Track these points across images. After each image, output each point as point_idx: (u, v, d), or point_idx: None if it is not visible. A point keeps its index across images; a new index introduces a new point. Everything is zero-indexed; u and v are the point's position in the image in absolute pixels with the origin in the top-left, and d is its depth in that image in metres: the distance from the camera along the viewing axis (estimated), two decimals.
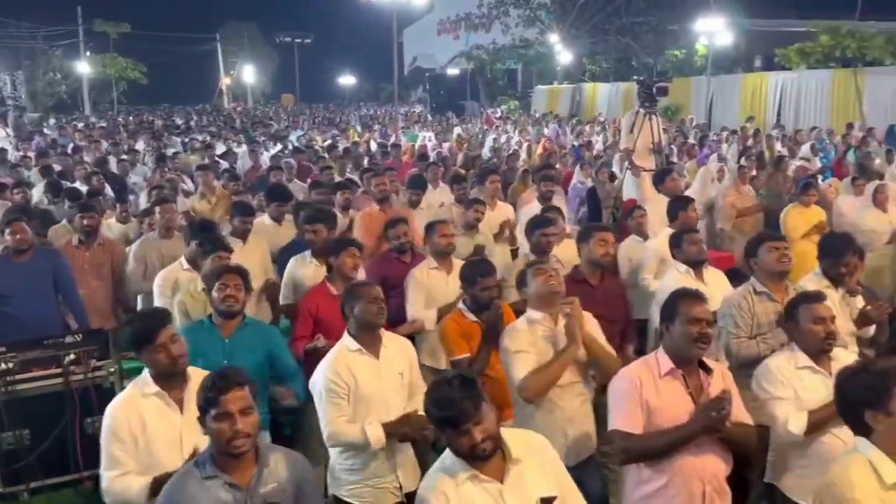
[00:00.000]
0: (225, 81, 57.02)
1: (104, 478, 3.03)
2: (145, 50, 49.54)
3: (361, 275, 4.92)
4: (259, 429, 2.60)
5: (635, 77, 9.71)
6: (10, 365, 4.63)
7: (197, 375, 3.09)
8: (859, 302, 4.26)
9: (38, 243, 5.69)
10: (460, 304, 4.18)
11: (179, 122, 32.00)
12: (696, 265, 4.74)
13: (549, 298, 3.64)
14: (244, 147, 15.37)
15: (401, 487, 3.54)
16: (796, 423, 3.19)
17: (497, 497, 2.46)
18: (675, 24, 30.58)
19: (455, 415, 2.41)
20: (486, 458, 2.45)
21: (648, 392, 2.99)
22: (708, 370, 3.11)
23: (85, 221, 5.99)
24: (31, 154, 13.77)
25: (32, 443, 4.63)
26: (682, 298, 3.10)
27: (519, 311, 3.95)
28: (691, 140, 15.09)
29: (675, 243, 4.87)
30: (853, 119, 16.96)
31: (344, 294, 3.69)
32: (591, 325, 3.70)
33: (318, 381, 3.48)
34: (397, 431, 3.45)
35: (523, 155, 13.92)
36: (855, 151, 11.85)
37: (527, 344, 3.55)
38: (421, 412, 3.52)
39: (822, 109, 19.07)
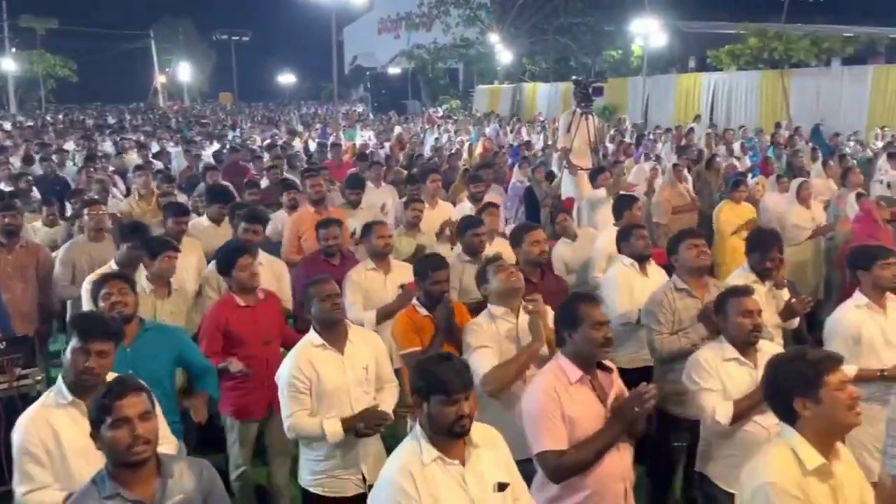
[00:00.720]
0: (160, 79, 55.55)
1: (16, 493, 2.89)
2: (75, 47, 48.00)
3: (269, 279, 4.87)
4: (158, 437, 2.48)
5: (574, 77, 9.86)
6: None
7: None
8: (785, 295, 4.43)
9: None
10: (413, 300, 4.21)
11: (112, 121, 31.05)
12: (641, 260, 4.83)
13: (510, 294, 3.70)
14: (179, 147, 15.03)
15: (364, 479, 3.56)
16: (722, 413, 3.29)
17: (459, 479, 2.54)
18: (611, 26, 31.21)
19: (453, 382, 2.50)
20: (461, 435, 2.53)
21: (566, 403, 2.94)
22: (608, 369, 3.14)
23: (6, 220, 5.70)
24: None
25: None
26: (582, 303, 3.09)
27: (473, 311, 4.02)
28: (627, 139, 15.42)
29: (623, 237, 4.95)
30: (781, 118, 17.60)
31: (301, 294, 3.79)
32: (549, 317, 3.71)
33: (282, 374, 3.57)
34: (355, 426, 3.49)
35: (464, 154, 13.99)
36: (774, 150, 12.29)
37: (489, 339, 3.60)
38: (386, 406, 3.63)
39: (752, 109, 19.74)
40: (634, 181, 8.71)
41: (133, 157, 12.56)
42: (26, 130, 21.97)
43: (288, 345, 4.20)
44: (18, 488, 2.88)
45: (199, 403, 3.89)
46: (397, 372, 4.18)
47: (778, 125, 16.23)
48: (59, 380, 3.03)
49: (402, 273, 5.06)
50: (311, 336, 3.63)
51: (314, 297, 3.60)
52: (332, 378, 3.53)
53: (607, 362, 3.17)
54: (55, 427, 2.90)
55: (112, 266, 4.96)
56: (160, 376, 3.69)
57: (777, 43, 19.61)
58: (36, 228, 7.04)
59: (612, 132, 16.86)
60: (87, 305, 4.77)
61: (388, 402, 3.70)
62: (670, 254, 4.36)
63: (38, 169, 10.68)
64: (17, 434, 2.91)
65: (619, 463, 3.02)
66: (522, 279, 3.81)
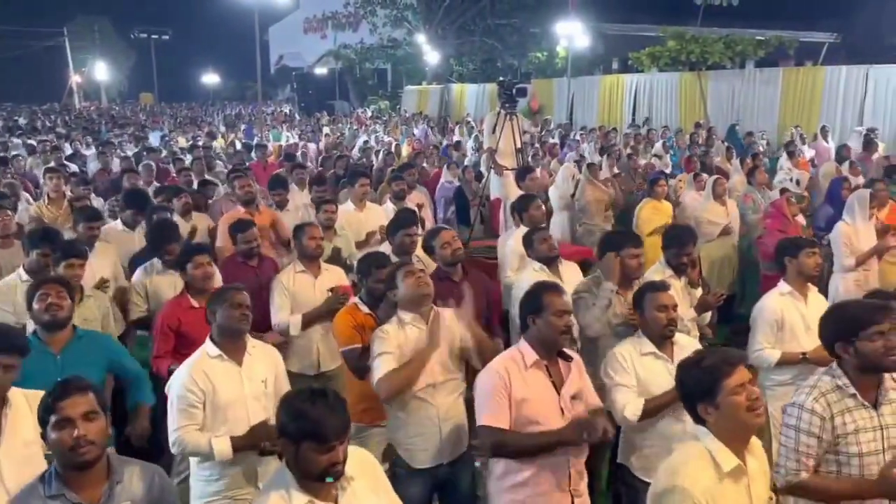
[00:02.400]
0: (75, 79, 53.29)
1: None
2: None
3: (218, 279, 4.79)
4: (107, 437, 2.44)
5: (500, 78, 9.96)
6: None
7: (18, 398, 2.89)
8: (699, 290, 4.60)
9: None
10: (355, 298, 4.18)
11: (23, 122, 29.63)
12: (548, 262, 4.87)
13: (418, 300, 3.65)
14: (93, 149, 14.48)
15: None
16: (632, 410, 3.40)
17: None
18: (537, 27, 31.64)
19: (328, 427, 2.28)
20: (335, 479, 2.35)
21: (516, 384, 3.08)
22: (568, 358, 3.25)
23: None
24: None
25: None
26: (547, 291, 3.23)
27: None
28: (553, 139, 15.69)
29: (527, 242, 4.99)
30: (699, 118, 18.22)
31: (209, 298, 3.60)
32: (468, 315, 3.70)
33: (174, 386, 3.39)
34: (247, 444, 3.33)
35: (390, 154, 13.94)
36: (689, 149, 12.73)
37: (394, 346, 3.54)
38: None
39: (672, 109, 20.36)
40: (561, 181, 8.85)
41: (45, 160, 12.03)
42: None
43: None
44: None
45: (140, 421, 3.81)
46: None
47: (697, 125, 16.80)
48: None
49: (332, 276, 5.02)
50: (208, 346, 3.46)
51: (225, 302, 3.44)
52: (229, 391, 3.37)
53: (570, 352, 3.29)
54: None
55: (21, 274, 4.74)
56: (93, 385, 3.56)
57: (694, 46, 20.30)
58: None
59: (541, 132, 17.09)
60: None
61: None
62: (602, 253, 4.29)
63: None
64: None
65: (565, 452, 3.11)
66: (431, 284, 3.76)
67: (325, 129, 21.82)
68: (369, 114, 31.01)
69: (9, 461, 2.77)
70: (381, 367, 3.51)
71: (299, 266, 4.97)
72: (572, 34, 24.69)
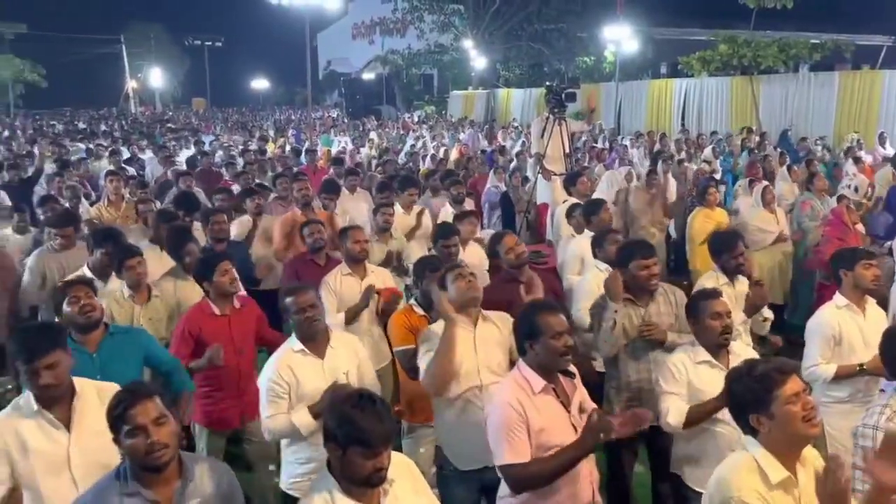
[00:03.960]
0: (131, 85, 54.85)
1: None
2: (45, 51, 47.20)
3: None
4: (178, 438, 2.51)
5: (548, 83, 9.95)
6: None
7: (88, 389, 2.98)
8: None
9: None
10: (411, 300, 4.28)
11: (82, 126, 30.61)
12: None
13: (467, 303, 3.68)
14: (149, 153, 14.90)
15: None
16: (674, 416, 3.35)
17: None
18: (584, 32, 31.46)
19: (375, 434, 2.32)
20: (378, 485, 2.39)
21: (530, 413, 2.93)
22: (571, 374, 3.15)
23: None
24: None
25: None
26: (541, 312, 3.03)
27: None
28: (600, 144, 15.56)
29: (597, 243, 4.99)
30: (750, 124, 17.87)
31: (280, 301, 3.76)
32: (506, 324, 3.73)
33: (262, 379, 3.61)
34: (321, 406, 3.41)
35: (437, 158, 14.01)
36: (749, 154, 12.48)
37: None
38: None
39: (722, 115, 20.01)
40: (605, 188, 8.78)
41: (104, 163, 12.43)
42: None
43: (271, 345, 4.25)
44: None
45: (184, 408, 3.92)
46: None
47: (749, 130, 16.49)
48: (27, 390, 3.00)
49: (378, 278, 5.10)
50: (292, 341, 3.66)
51: (290, 308, 3.63)
52: (312, 383, 3.54)
53: (570, 367, 3.15)
54: (22, 436, 2.88)
55: (85, 272, 4.91)
56: (127, 379, 3.65)
57: (746, 49, 19.90)
58: (6, 236, 6.94)
59: (595, 133, 16.93)
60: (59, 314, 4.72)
61: None
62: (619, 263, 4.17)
63: (5, 175, 10.52)
64: None
65: (586, 467, 3.05)
66: (480, 288, 3.80)
67: (372, 134, 22.02)
68: (416, 119, 31.18)
69: (78, 451, 2.87)
70: (426, 363, 3.57)
71: (345, 269, 5.07)
72: (620, 38, 24.48)
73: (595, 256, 5.05)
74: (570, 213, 6.41)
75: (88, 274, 4.88)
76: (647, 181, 8.31)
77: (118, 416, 2.42)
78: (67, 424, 2.92)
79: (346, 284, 4.98)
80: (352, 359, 3.71)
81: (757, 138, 14.49)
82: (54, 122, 33.52)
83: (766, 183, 7.85)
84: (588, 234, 5.61)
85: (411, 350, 3.98)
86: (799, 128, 16.80)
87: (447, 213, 7.01)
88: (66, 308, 3.74)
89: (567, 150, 9.00)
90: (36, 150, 14.52)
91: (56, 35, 49.36)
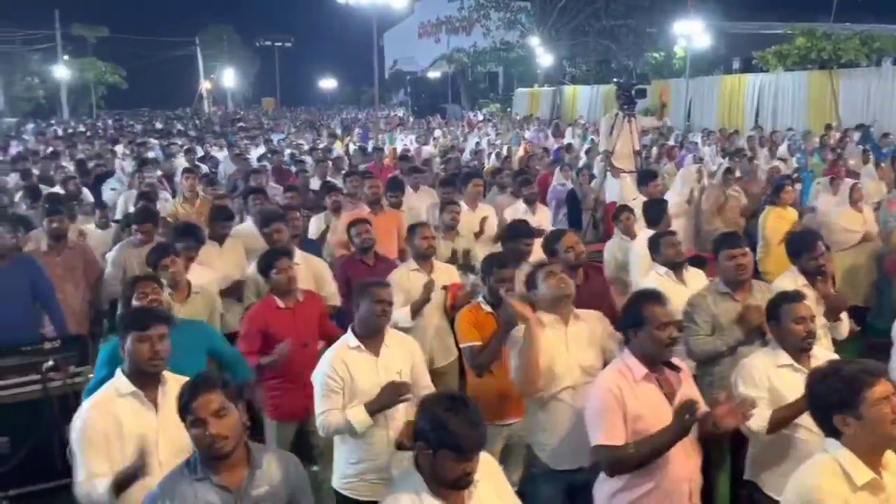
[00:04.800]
0: (205, 85, 56.64)
1: (75, 482, 3.00)
2: (124, 54, 49.27)
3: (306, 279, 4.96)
4: (242, 426, 2.56)
5: (616, 80, 9.80)
6: None
7: (172, 380, 3.10)
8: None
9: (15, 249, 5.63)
10: (479, 297, 4.25)
11: (159, 126, 31.76)
12: (674, 267, 4.79)
13: (559, 301, 3.65)
14: (225, 151, 15.32)
15: None
16: (757, 421, 3.22)
17: None
18: (653, 27, 30.86)
19: (468, 440, 2.33)
20: (465, 488, 2.42)
21: (629, 400, 2.98)
22: (676, 369, 3.14)
23: (53, 224, 5.91)
24: (9, 159, 13.63)
25: (12, 450, 4.57)
26: (647, 302, 3.09)
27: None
28: (671, 142, 15.22)
29: (653, 246, 4.92)
30: (829, 120, 17.18)
31: (355, 290, 3.76)
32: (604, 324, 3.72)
33: (317, 374, 3.59)
34: (379, 403, 3.45)
35: (502, 156, 13.97)
36: (820, 153, 12.00)
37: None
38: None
39: (799, 111, 19.30)
40: (681, 186, 8.55)
41: (180, 161, 12.87)
42: (79, 136, 22.64)
43: (331, 339, 4.25)
44: (77, 477, 2.99)
45: (253, 394, 4.01)
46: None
47: (828, 126, 15.85)
48: (119, 372, 3.14)
49: (445, 274, 5.12)
50: (348, 337, 3.63)
51: (368, 297, 3.58)
52: (366, 380, 3.51)
53: (677, 361, 3.16)
54: (117, 414, 3.01)
55: None
56: (193, 370, 3.74)
57: (826, 43, 19.14)
58: (89, 230, 7.25)
59: (665, 129, 16.55)
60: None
61: None
62: (714, 257, 4.29)
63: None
64: (79, 420, 3.02)
65: (685, 463, 3.01)
66: (573, 286, 3.74)
67: (437, 132, 22.12)
68: (480, 117, 31.16)
69: (165, 437, 2.98)
70: (515, 364, 3.53)
71: (413, 264, 5.11)
72: (691, 33, 23.89)
73: (653, 259, 4.95)
74: (617, 215, 6.28)
75: None
76: (723, 179, 8.07)
77: (183, 408, 2.52)
78: (156, 407, 3.06)
79: (413, 280, 5.00)
80: (406, 359, 3.67)
81: (837, 135, 13.93)
82: (133, 122, 34.87)
83: (853, 181, 7.52)
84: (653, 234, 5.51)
85: (477, 346, 3.99)
86: (882, 124, 16.04)
87: (516, 210, 6.96)
88: (134, 302, 3.90)
89: (636, 148, 8.83)
90: (119, 150, 15.19)
91: (136, 38, 51.36)
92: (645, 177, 7.39)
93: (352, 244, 5.69)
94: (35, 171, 11.06)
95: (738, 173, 9.37)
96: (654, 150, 13.27)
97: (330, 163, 11.10)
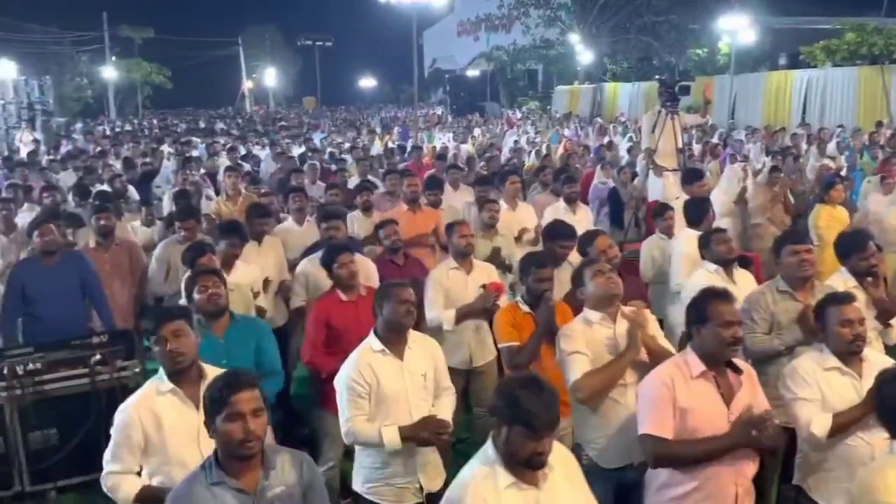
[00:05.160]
0: (247, 85, 57.47)
1: (104, 468, 3.07)
2: (169, 54, 50.15)
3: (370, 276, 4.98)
4: (266, 431, 2.57)
5: (658, 76, 9.64)
6: (38, 365, 4.70)
7: (213, 374, 3.09)
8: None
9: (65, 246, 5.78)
10: (517, 296, 4.22)
11: (203, 125, 32.32)
12: (725, 264, 4.71)
13: (607, 300, 3.61)
14: (267, 150, 15.50)
15: (422, 488, 3.54)
16: (820, 426, 3.14)
17: None
18: (696, 23, 30.36)
19: (540, 418, 2.38)
20: (537, 468, 2.45)
21: (681, 394, 2.95)
22: (738, 370, 3.08)
23: (101, 222, 6.04)
24: (59, 158, 14.01)
25: (60, 442, 4.70)
26: (713, 300, 3.04)
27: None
28: (714, 140, 14.95)
29: (704, 243, 4.85)
30: (880, 117, 16.70)
31: (376, 293, 3.72)
32: (651, 324, 3.69)
33: (341, 378, 3.53)
34: (416, 435, 3.43)
35: (541, 154, 13.86)
36: (869, 150, 11.63)
37: (583, 345, 3.53)
38: (445, 415, 3.57)
39: (849, 107, 18.80)
40: (727, 185, 8.37)
41: (223, 160, 13.06)
42: (126, 135, 23.16)
43: None
44: (106, 464, 3.06)
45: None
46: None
47: (879, 124, 15.40)
48: (161, 370, 3.20)
49: (484, 273, 5.10)
50: (371, 341, 3.57)
51: (392, 298, 3.54)
52: (391, 384, 3.47)
53: (739, 362, 3.11)
54: (157, 413, 3.06)
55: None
56: (250, 366, 3.83)
57: (877, 37, 18.61)
58: (135, 228, 7.41)
59: (708, 126, 16.27)
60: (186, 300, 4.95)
61: (446, 411, 3.63)
62: (775, 255, 4.20)
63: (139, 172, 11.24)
64: (120, 415, 3.08)
65: (732, 465, 2.95)
66: (621, 285, 3.70)
67: (476, 131, 22.08)
68: (519, 115, 31.03)
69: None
70: (576, 367, 3.47)
71: (452, 263, 5.09)
72: (736, 29, 23.43)
73: (703, 257, 4.88)
74: (658, 214, 6.17)
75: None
76: (769, 178, 7.89)
77: (219, 400, 2.46)
78: (197, 405, 3.07)
79: (452, 278, 4.99)
80: (429, 361, 3.63)
81: (888, 132, 13.52)
82: (177, 122, 35.54)
83: None
84: (696, 233, 5.41)
85: (515, 347, 3.97)
86: None
87: (556, 209, 6.89)
88: (195, 295, 3.94)
89: (679, 146, 8.67)
90: (164, 149, 15.48)
91: (180, 39, 52.31)
92: (690, 176, 7.25)
93: (380, 244, 5.70)
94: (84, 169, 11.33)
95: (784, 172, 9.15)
96: (697, 148, 13.05)
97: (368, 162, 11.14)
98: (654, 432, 2.95)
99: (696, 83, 10.20)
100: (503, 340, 4.06)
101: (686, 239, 5.45)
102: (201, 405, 2.97)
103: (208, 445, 2.86)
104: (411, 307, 3.57)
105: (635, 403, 3.41)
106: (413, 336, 3.66)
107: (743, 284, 4.60)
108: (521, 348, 3.96)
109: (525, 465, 2.44)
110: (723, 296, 3.09)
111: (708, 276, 4.62)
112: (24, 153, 15.92)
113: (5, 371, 4.62)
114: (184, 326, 3.14)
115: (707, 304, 3.03)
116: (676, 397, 2.94)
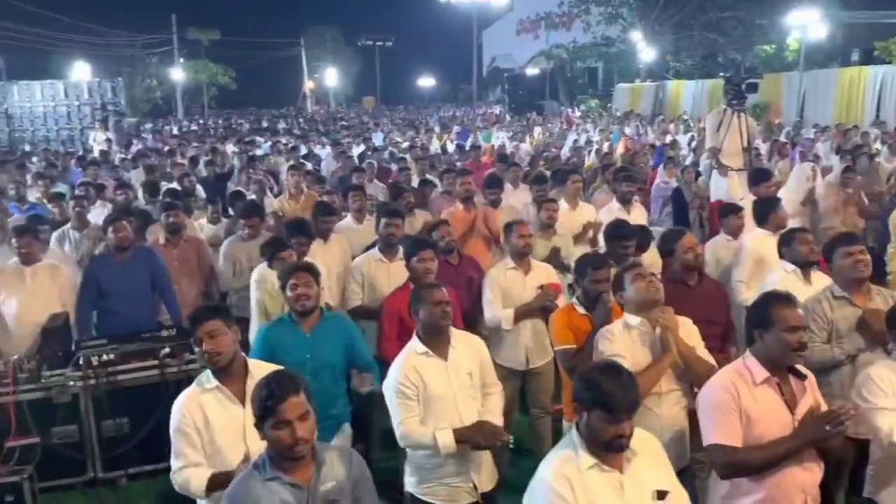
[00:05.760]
0: (308, 85, 58.42)
1: (172, 467, 3.13)
2: (234, 56, 51.38)
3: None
4: (315, 432, 2.59)
5: (722, 74, 9.42)
6: (111, 356, 4.89)
7: (259, 370, 3.15)
8: None
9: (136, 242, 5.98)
10: (573, 298, 4.18)
11: (265, 124, 33.01)
12: (805, 266, 4.54)
13: (647, 304, 3.57)
14: (327, 149, 15.74)
15: (476, 488, 3.54)
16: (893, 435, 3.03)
17: (617, 486, 2.51)
18: (764, 19, 29.51)
19: (619, 400, 2.45)
20: (619, 451, 2.50)
21: (746, 401, 2.87)
22: (801, 376, 2.99)
23: (171, 219, 6.21)
24: (130, 157, 14.52)
25: (131, 431, 4.88)
26: (776, 303, 2.94)
27: None
28: (782, 138, 14.51)
29: (785, 242, 4.68)
30: None
31: (410, 296, 3.70)
32: (687, 330, 3.61)
33: (389, 383, 3.53)
34: (470, 439, 3.42)
35: (602, 153, 13.69)
36: None
37: (622, 349, 3.49)
38: (495, 416, 3.56)
39: None
40: (795, 185, 8.11)
41: (283, 159, 13.31)
42: (192, 135, 23.86)
43: None
44: (173, 462, 3.13)
45: (365, 377, 4.04)
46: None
47: None
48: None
49: (542, 273, 5.07)
50: (414, 343, 3.57)
51: (425, 300, 3.54)
52: (438, 385, 3.47)
53: (802, 368, 3.02)
54: (204, 408, 3.11)
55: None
56: (333, 361, 3.93)
57: None
58: (201, 225, 7.62)
59: (764, 129, 15.85)
60: (254, 295, 5.06)
61: (495, 410, 3.61)
62: (826, 260, 4.09)
63: (202, 170, 11.57)
64: (173, 413, 3.15)
65: (801, 475, 2.88)
66: (661, 289, 3.64)
67: (537, 129, 21.94)
68: (578, 113, 30.71)
69: (251, 425, 2.91)
70: None
71: (510, 263, 5.06)
72: (807, 24, 22.67)
73: (781, 256, 4.72)
74: (725, 214, 6.01)
75: None
76: (842, 179, 7.61)
77: (267, 409, 2.51)
78: (242, 400, 3.12)
79: (510, 278, 4.98)
80: (474, 360, 3.61)
81: None
82: (241, 121, 36.40)
83: None
84: (764, 233, 5.28)
85: (572, 350, 3.93)
86: None
87: (610, 209, 6.80)
88: (287, 293, 4.00)
89: (745, 145, 8.45)
90: (228, 149, 15.88)
91: (245, 41, 53.52)
92: (757, 176, 7.04)
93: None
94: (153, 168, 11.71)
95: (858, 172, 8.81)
96: (764, 147, 12.68)
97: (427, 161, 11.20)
98: (722, 441, 2.86)
99: (762, 80, 9.90)
100: (559, 343, 4.02)
101: (755, 238, 5.33)
102: (247, 400, 3.00)
103: (254, 440, 2.89)
104: (446, 307, 3.55)
105: (669, 412, 3.42)
106: (456, 334, 3.65)
107: (820, 287, 4.42)
108: (577, 351, 3.91)
109: (607, 449, 2.49)
110: (786, 299, 2.99)
111: (785, 276, 4.48)
112: (97, 152, 16.54)
113: (81, 361, 4.82)
114: (219, 326, 3.14)
115: (770, 307, 2.94)
116: (741, 405, 2.87)
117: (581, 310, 4.06)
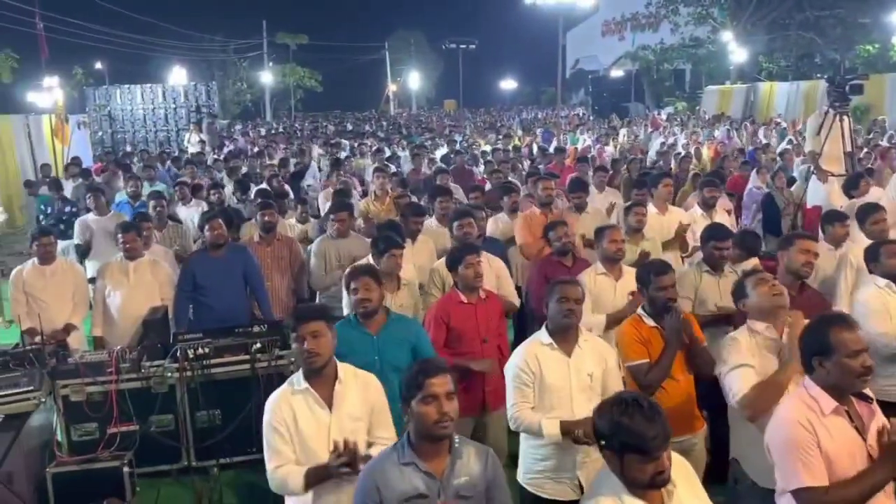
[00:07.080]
0: (391, 88, 59.21)
1: (267, 468, 3.14)
2: (321, 60, 52.63)
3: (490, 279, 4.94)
4: (458, 416, 2.63)
5: (820, 75, 9.00)
6: (206, 350, 5.05)
7: (348, 375, 3.17)
8: None
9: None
10: (639, 309, 4.05)
11: (350, 127, 33.66)
12: None
13: (772, 310, 3.45)
14: (407, 152, 15.93)
15: (580, 485, 3.51)
16: None
17: None
18: (866, 17, 28.07)
19: (653, 439, 2.30)
20: (661, 486, 2.35)
21: (822, 436, 2.66)
22: (867, 398, 2.80)
23: (266, 218, 6.38)
24: (222, 157, 15.08)
25: (223, 422, 5.03)
26: (834, 328, 2.72)
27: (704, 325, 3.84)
28: (885, 143, 13.75)
29: (872, 255, 4.45)
30: None
31: (546, 288, 3.74)
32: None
33: (510, 367, 3.64)
34: (570, 430, 3.41)
35: (693, 159, 13.32)
36: None
37: (748, 356, 3.37)
38: None
39: None
40: (894, 192, 7.67)
41: (368, 161, 13.53)
42: (278, 136, 24.58)
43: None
44: (268, 463, 3.13)
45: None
46: None
47: None
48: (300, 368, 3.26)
49: (632, 279, 4.94)
50: (541, 333, 3.63)
51: (556, 295, 3.57)
52: (554, 377, 3.53)
53: (867, 391, 2.84)
54: (294, 409, 3.12)
55: (370, 259, 5.28)
56: (400, 362, 3.92)
57: None
58: (291, 224, 7.82)
59: (865, 135, 15.10)
60: (346, 293, 5.14)
61: None
62: (868, 262, 3.94)
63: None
64: (266, 413, 3.17)
65: (886, 502, 2.69)
66: (787, 294, 3.52)
67: (622, 132, 21.55)
68: (664, 116, 29.97)
69: (337, 430, 3.07)
70: (741, 381, 3.31)
71: (600, 268, 4.99)
72: None
73: (870, 271, 4.47)
74: (827, 222, 5.70)
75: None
76: None
77: (416, 384, 2.57)
78: (329, 404, 3.12)
79: (600, 284, 4.90)
80: (598, 362, 3.60)
81: None
82: (327, 124, 37.24)
83: None
84: (864, 242, 5.00)
85: (645, 365, 3.79)
86: None
87: (692, 215, 6.60)
88: (350, 296, 4.05)
89: (848, 149, 8.03)
90: (315, 151, 16.28)
91: (331, 45, 54.74)
92: (851, 182, 6.70)
93: (549, 246, 5.65)
94: (244, 169, 12.12)
95: None
96: (864, 151, 12.06)
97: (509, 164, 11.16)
98: (811, 483, 2.62)
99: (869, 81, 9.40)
100: (631, 359, 3.84)
101: (855, 245, 5.06)
102: (335, 405, 3.08)
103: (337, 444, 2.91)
104: (573, 305, 3.54)
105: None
106: (585, 335, 3.67)
107: None
108: (651, 366, 3.78)
109: (649, 487, 2.35)
110: (844, 322, 2.77)
111: (876, 291, 4.25)
112: (191, 153, 17.26)
113: (178, 354, 5.01)
114: (322, 327, 3.12)
115: (828, 333, 2.71)
116: (819, 440, 2.65)
117: (649, 321, 3.89)
